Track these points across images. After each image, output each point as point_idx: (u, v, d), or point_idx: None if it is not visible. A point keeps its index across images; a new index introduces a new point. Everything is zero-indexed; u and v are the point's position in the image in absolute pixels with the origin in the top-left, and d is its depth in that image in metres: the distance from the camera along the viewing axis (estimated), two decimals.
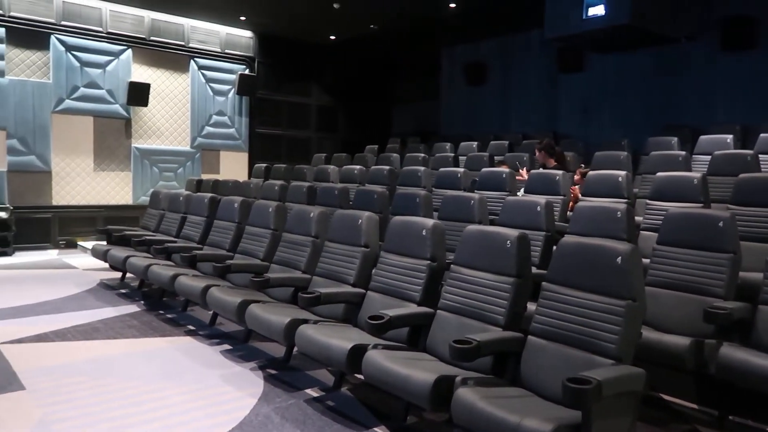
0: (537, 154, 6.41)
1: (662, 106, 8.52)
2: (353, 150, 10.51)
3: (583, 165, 6.74)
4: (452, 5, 9.22)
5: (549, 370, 2.64)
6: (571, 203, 5.30)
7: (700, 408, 3.28)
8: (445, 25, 10.36)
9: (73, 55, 9.30)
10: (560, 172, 5.54)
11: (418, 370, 2.74)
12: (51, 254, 8.84)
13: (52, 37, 9.10)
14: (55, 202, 9.27)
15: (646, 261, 3.39)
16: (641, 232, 4.44)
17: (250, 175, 10.72)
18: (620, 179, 5.00)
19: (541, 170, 6.47)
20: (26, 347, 4.35)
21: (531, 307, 3.09)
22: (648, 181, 5.59)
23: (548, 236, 4.21)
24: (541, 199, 4.41)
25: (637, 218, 4.37)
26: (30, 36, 8.90)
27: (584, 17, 7.74)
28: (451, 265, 3.36)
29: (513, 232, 3.10)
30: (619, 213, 3.83)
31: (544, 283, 2.87)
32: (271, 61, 11.50)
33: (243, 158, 11.38)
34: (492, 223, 4.65)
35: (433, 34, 11.00)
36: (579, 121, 9.58)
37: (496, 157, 7.54)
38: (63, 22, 9.14)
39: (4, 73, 8.70)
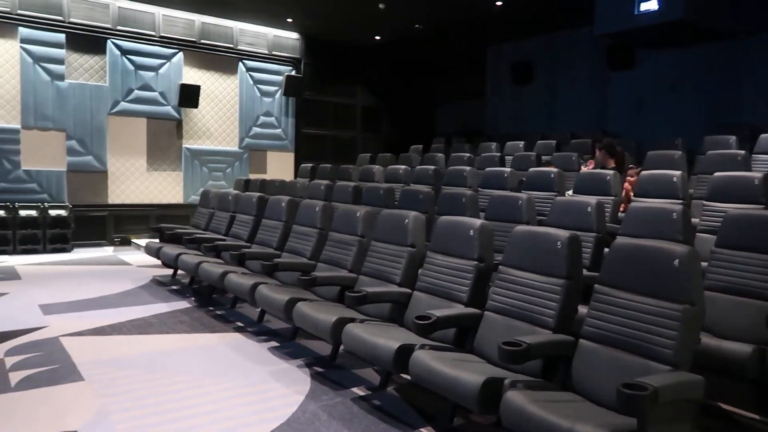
0: (597, 153, 6.22)
1: (719, 104, 8.21)
2: (398, 150, 10.53)
3: (632, 165, 6.56)
4: (498, 3, 9.11)
5: (602, 375, 2.57)
6: (623, 204, 5.17)
7: (761, 419, 3.14)
8: (491, 24, 10.25)
9: (128, 59, 9.64)
10: (611, 171, 5.41)
11: (466, 372, 2.72)
12: (107, 251, 9.18)
13: (109, 41, 9.45)
14: (110, 201, 9.63)
15: (704, 264, 3.26)
16: (698, 234, 4.28)
17: (296, 175, 10.88)
18: (675, 179, 4.84)
19: (591, 169, 6.34)
20: (85, 340, 4.53)
21: (582, 309, 3.03)
22: (704, 182, 5.40)
23: (599, 237, 4.12)
24: (592, 199, 4.31)
25: (693, 220, 4.22)
26: (88, 41, 9.27)
27: (636, 13, 7.54)
28: (499, 266, 3.31)
29: (563, 233, 3.04)
30: (674, 214, 3.70)
31: (596, 285, 2.80)
32: (316, 62, 11.63)
33: (289, 158, 11.55)
34: (540, 223, 4.57)
35: (478, 33, 10.90)
36: (630, 119, 9.32)
37: (543, 157, 7.41)
38: (119, 27, 9.48)
39: (64, 77, 9.09)
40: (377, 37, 11.54)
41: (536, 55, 10.86)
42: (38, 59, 8.87)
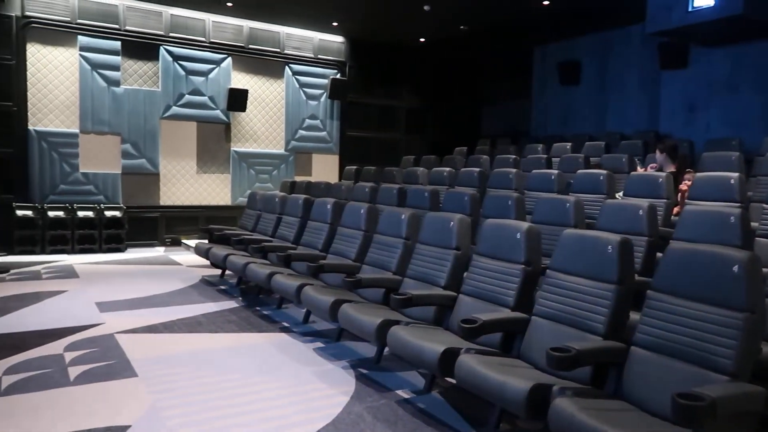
0: (658, 155, 5.99)
1: None
2: (442, 152, 10.48)
3: (689, 169, 6.34)
4: (546, 2, 8.97)
5: (655, 384, 2.49)
6: (677, 207, 5.00)
7: None
8: (537, 23, 10.10)
9: (180, 65, 9.93)
10: (663, 173, 5.25)
11: (513, 377, 2.68)
12: (158, 251, 9.47)
13: (161, 48, 9.76)
14: (162, 203, 9.94)
15: (765, 270, 3.11)
16: (757, 239, 4.10)
17: (340, 177, 10.97)
18: (732, 181, 4.65)
19: (641, 171, 6.17)
20: (138, 337, 4.68)
21: (633, 316, 2.94)
22: (763, 185, 5.18)
23: (651, 242, 4.00)
24: (644, 202, 4.19)
25: (752, 224, 4.05)
26: (142, 48, 9.60)
27: (690, 9, 7.29)
28: (547, 270, 3.26)
29: (614, 237, 2.97)
30: (732, 218, 3.55)
31: (649, 291, 2.71)
32: (361, 65, 11.70)
33: (334, 161, 11.66)
34: (589, 227, 4.47)
35: (525, 33, 10.76)
36: (684, 120, 9.01)
37: (591, 159, 7.25)
38: (171, 34, 9.78)
39: (120, 82, 9.44)
40: (422, 39, 11.53)
41: (584, 54, 10.63)
42: (96, 66, 9.24)
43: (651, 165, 6.29)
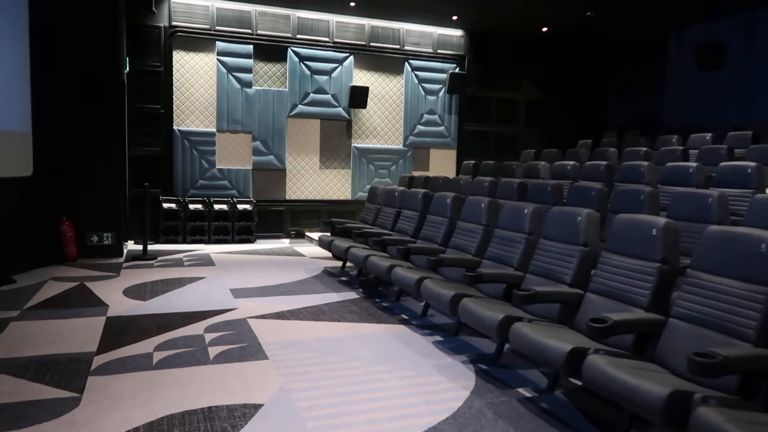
0: None
1: None
2: (564, 145, 10.08)
3: None
4: None
5: None
6: None
7: None
8: (673, 4, 9.36)
9: (305, 65, 10.39)
10: None
11: (649, 381, 2.52)
12: (284, 243, 10.00)
13: (289, 49, 10.27)
14: (287, 197, 10.48)
15: None
16: None
17: (457, 172, 10.91)
18: None
19: None
20: (268, 323, 4.97)
21: None
22: None
23: None
24: None
25: None
26: (272, 50, 10.17)
27: None
28: (688, 270, 3.02)
29: None
30: None
31: None
32: (480, 58, 11.54)
33: (451, 155, 11.62)
34: (733, 224, 4.09)
35: (658, 16, 10.02)
36: None
37: (736, 150, 6.62)
38: (298, 36, 10.26)
39: (252, 84, 10.06)
40: (544, 29, 11.14)
41: (728, 36, 9.70)
42: (231, 69, 9.93)
43: None
